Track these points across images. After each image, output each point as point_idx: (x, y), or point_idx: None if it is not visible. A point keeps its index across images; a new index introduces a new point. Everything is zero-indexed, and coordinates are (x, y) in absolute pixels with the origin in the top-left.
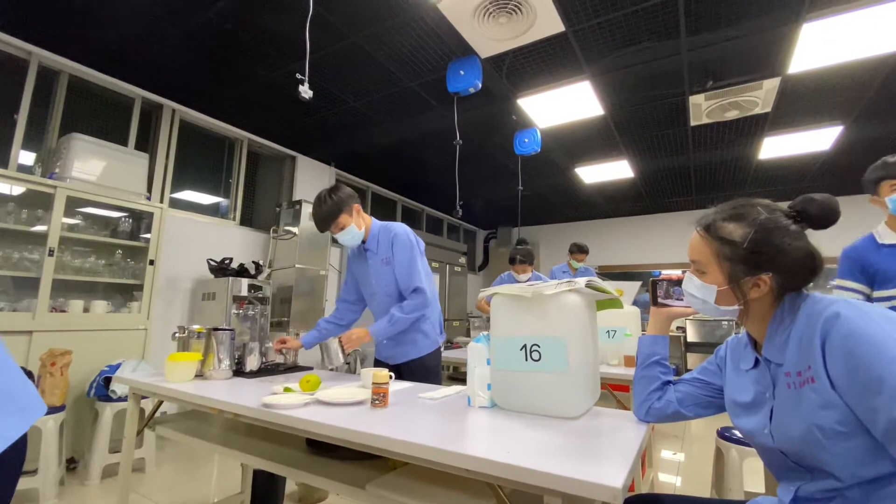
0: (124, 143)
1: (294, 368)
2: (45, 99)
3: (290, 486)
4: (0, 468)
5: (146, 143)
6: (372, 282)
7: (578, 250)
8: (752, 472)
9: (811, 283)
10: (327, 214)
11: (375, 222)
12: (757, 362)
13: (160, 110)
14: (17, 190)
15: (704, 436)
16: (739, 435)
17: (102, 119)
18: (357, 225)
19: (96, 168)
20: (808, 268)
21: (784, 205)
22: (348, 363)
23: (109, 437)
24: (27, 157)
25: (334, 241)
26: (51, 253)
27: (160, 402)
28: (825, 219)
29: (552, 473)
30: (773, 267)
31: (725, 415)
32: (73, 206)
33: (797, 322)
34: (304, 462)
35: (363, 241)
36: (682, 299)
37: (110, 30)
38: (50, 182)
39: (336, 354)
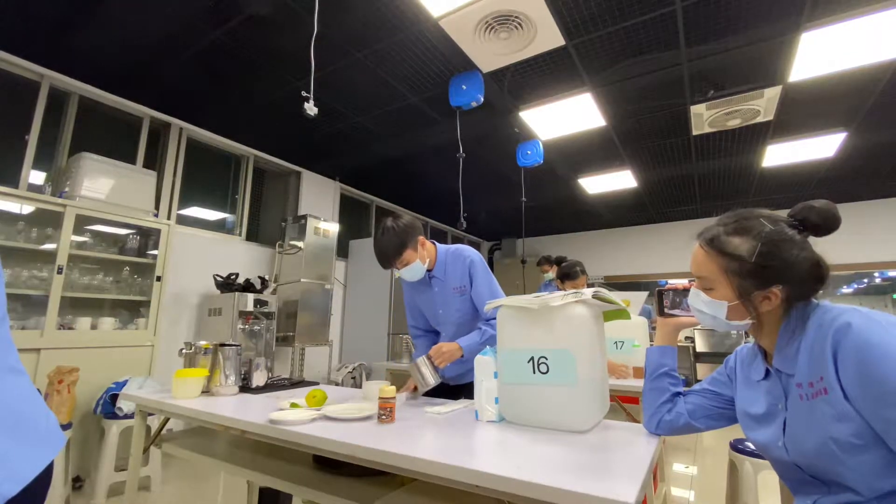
0: (133, 161)
1: (300, 384)
2: (55, 119)
3: None
4: (28, 498)
5: (154, 160)
6: (439, 311)
7: (547, 263)
8: (767, 486)
9: (819, 292)
10: (392, 250)
11: (440, 248)
12: (768, 373)
13: (168, 129)
14: (27, 209)
15: (717, 448)
16: (753, 447)
17: (111, 138)
18: (421, 259)
19: (105, 186)
20: (815, 277)
21: (784, 213)
22: (445, 379)
23: (115, 456)
24: (37, 177)
25: (339, 255)
26: (59, 271)
27: (167, 420)
28: (826, 226)
29: (563, 489)
30: (782, 279)
31: (738, 426)
32: (81, 224)
33: (807, 332)
34: (311, 479)
35: (428, 270)
36: (689, 309)
37: (120, 51)
38: (60, 201)
39: (431, 375)
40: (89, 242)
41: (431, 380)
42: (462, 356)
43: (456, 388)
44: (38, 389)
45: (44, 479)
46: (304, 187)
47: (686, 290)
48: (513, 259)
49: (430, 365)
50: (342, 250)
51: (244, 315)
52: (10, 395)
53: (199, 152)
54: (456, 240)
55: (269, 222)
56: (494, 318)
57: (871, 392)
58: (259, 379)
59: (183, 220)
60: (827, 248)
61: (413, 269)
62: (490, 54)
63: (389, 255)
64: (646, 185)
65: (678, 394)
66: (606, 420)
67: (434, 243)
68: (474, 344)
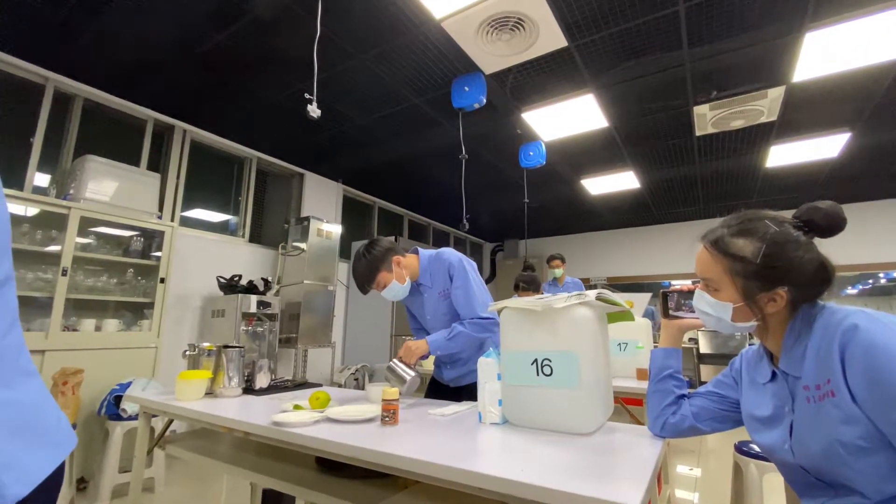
0: (137, 163)
1: (303, 385)
2: (60, 122)
3: None
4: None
5: (158, 163)
6: (427, 317)
7: (558, 259)
8: (772, 489)
9: (825, 294)
10: (364, 276)
11: (423, 255)
12: (774, 375)
13: (172, 131)
14: (32, 211)
15: (721, 450)
16: (758, 449)
17: (116, 141)
18: (399, 279)
19: (109, 189)
20: (821, 278)
21: (789, 214)
22: (420, 376)
23: (119, 457)
24: (42, 179)
25: (342, 257)
26: (64, 273)
27: (170, 421)
28: (832, 227)
29: (567, 492)
30: (787, 281)
31: (742, 428)
32: (86, 226)
33: (813, 334)
34: (314, 481)
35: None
36: (693, 310)
37: (124, 54)
38: (64, 203)
39: (404, 373)
40: (93, 244)
41: (406, 377)
42: (428, 351)
43: (457, 389)
44: None
45: (54, 480)
46: (307, 189)
47: (690, 292)
48: (515, 260)
49: (401, 364)
50: (345, 252)
51: (247, 317)
52: (21, 397)
53: (203, 154)
54: (458, 241)
55: (272, 224)
56: (472, 320)
57: (880, 394)
58: (262, 381)
59: (186, 222)
60: (832, 248)
61: (391, 289)
62: (492, 56)
63: (362, 282)
64: (649, 186)
65: (683, 396)
66: (610, 422)
67: (417, 252)
68: (441, 340)
